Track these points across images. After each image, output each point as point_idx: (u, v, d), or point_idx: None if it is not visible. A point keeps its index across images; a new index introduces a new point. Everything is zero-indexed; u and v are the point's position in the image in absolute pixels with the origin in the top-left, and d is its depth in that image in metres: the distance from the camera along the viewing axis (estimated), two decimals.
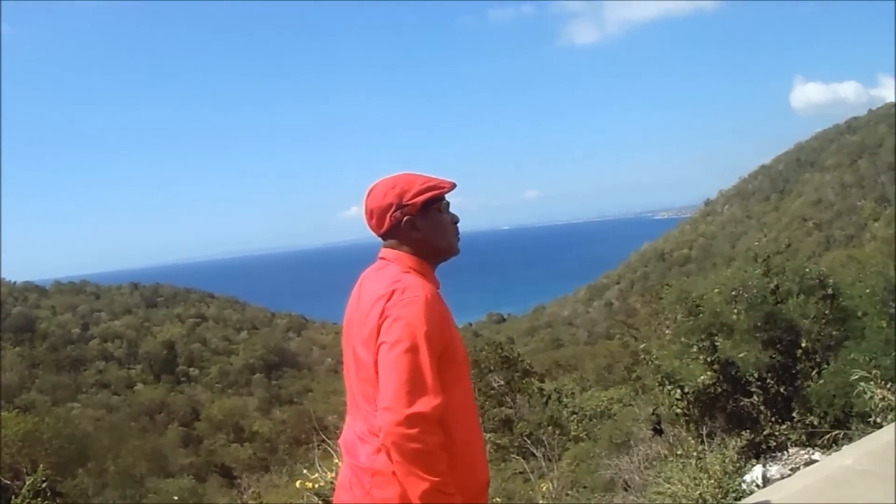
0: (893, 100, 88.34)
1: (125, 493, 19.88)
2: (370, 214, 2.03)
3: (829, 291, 6.86)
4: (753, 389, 6.67)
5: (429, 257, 2.02)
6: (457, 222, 2.08)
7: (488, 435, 12.23)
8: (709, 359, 6.60)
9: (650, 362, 6.69)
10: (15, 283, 66.92)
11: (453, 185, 2.04)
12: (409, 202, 1.97)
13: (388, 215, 1.99)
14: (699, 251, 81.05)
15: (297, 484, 4.85)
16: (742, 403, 6.63)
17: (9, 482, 11.77)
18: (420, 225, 1.98)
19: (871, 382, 5.10)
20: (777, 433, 6.47)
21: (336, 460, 5.06)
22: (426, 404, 1.73)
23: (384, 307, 1.83)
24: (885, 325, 6.57)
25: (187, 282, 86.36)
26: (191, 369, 60.59)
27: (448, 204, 2.05)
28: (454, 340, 1.89)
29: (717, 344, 6.71)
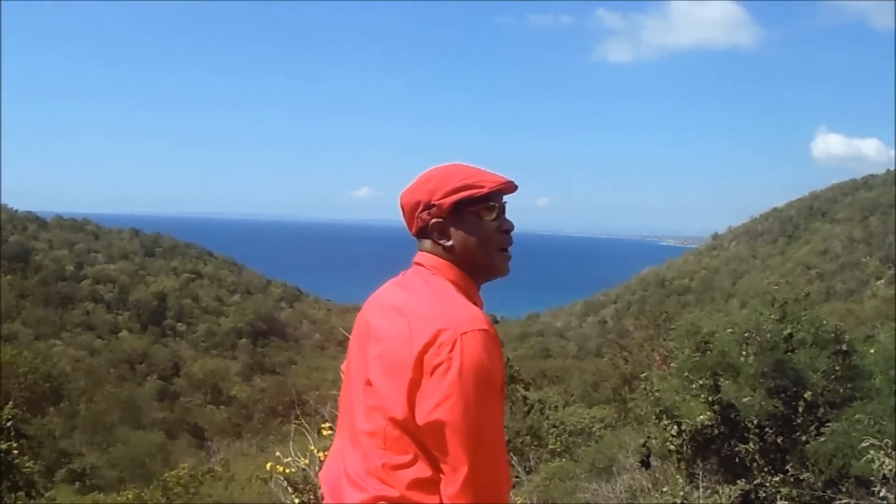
0: None
1: (93, 439, 19.71)
2: (401, 210, 1.72)
3: (844, 347, 6.62)
4: (751, 436, 6.44)
5: (469, 272, 1.67)
6: (507, 230, 1.70)
7: None
8: (710, 398, 6.37)
9: (650, 393, 6.44)
10: (17, 210, 66.60)
11: (502, 185, 1.67)
12: (438, 202, 1.64)
13: (416, 215, 1.68)
14: (700, 283, 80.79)
15: (268, 466, 4.64)
16: (737, 449, 6.40)
17: None
18: (451, 232, 1.65)
19: (881, 451, 4.85)
20: (768, 484, 6.25)
21: (312, 447, 4.83)
22: (500, 489, 1.50)
23: (432, 341, 1.49)
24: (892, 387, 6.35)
25: (189, 236, 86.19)
26: (178, 324, 60.48)
27: (496, 207, 1.67)
28: (504, 378, 1.58)
29: (720, 385, 6.48)
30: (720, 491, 5.50)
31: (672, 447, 6.15)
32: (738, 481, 5.74)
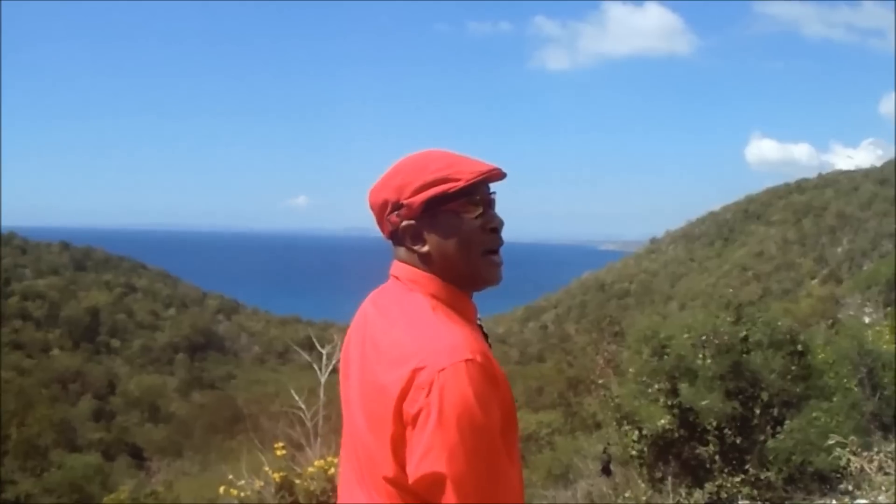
0: (842, 167, 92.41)
1: (26, 465, 18.84)
2: (371, 210, 1.45)
3: (799, 348, 6.69)
4: (710, 438, 6.44)
5: (453, 281, 1.39)
6: (494, 228, 1.42)
7: None
8: (669, 402, 6.35)
9: (611, 399, 6.37)
10: None
11: (484, 174, 1.38)
12: (407, 201, 1.36)
13: (385, 217, 1.40)
14: (639, 286, 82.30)
15: (221, 490, 4.38)
16: (697, 451, 6.39)
17: None
18: (426, 235, 1.37)
19: (847, 448, 4.85)
20: (729, 485, 6.26)
21: (266, 468, 4.58)
22: None
23: (408, 386, 1.26)
24: (852, 386, 6.44)
25: (120, 248, 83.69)
26: (112, 340, 58.59)
27: (479, 202, 1.39)
28: (510, 407, 1.33)
29: (678, 388, 6.46)
30: (683, 493, 5.43)
31: (634, 452, 6.10)
32: (706, 485, 5.69)
